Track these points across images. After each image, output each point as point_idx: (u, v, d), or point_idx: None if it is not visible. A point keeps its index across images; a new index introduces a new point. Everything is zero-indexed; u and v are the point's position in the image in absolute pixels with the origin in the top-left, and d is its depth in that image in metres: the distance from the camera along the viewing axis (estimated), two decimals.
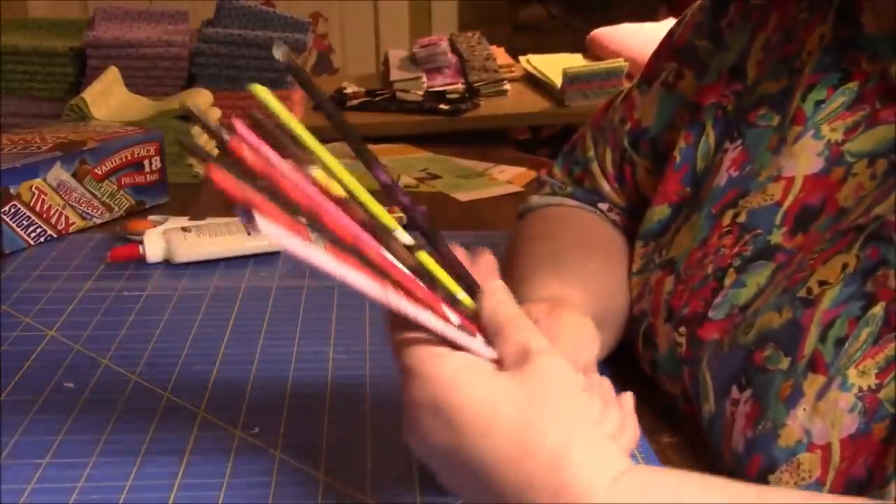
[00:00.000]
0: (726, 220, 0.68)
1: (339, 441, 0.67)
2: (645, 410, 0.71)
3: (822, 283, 0.59)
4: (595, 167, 0.86)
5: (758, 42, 0.72)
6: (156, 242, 0.99)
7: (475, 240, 1.08)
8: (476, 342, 0.50)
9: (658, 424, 0.69)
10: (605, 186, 0.85)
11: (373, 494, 0.61)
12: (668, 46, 0.82)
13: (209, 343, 0.81)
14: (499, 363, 0.50)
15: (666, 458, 0.66)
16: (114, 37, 1.53)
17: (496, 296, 0.53)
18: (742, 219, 0.67)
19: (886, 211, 0.58)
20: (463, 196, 1.28)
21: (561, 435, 0.46)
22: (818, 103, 0.65)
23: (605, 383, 0.59)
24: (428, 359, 0.48)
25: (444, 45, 1.89)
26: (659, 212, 0.75)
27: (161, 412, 0.70)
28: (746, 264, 0.65)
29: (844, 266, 0.58)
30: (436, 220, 1.14)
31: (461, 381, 0.47)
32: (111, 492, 0.61)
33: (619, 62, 1.86)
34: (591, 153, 0.86)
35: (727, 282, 0.65)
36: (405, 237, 0.50)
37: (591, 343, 0.64)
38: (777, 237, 0.64)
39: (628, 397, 0.58)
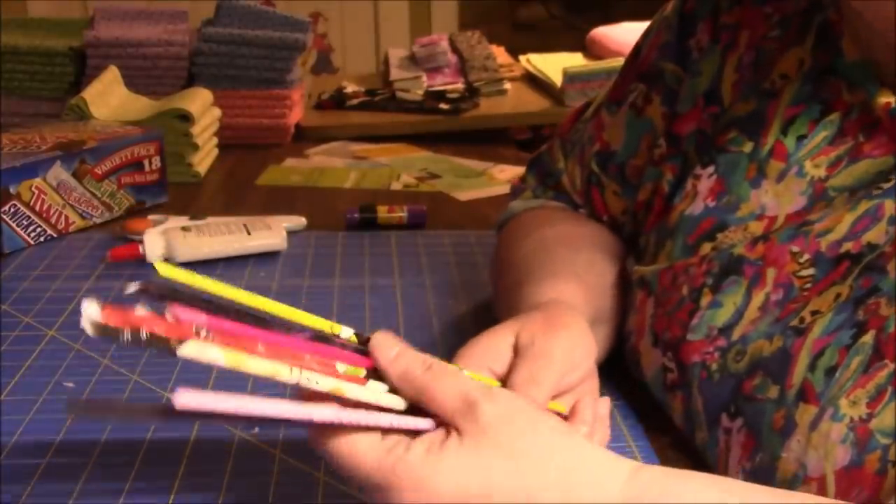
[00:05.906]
0: (704, 251, 0.66)
1: None
2: (644, 410, 0.71)
3: (814, 313, 0.58)
4: (565, 180, 0.85)
5: (730, 64, 0.70)
6: (156, 242, 0.99)
7: (475, 239, 1.09)
8: (409, 419, 0.49)
9: (658, 424, 0.69)
10: (576, 199, 0.84)
11: None
12: (633, 66, 0.80)
13: None
14: (441, 425, 0.49)
15: (666, 457, 0.66)
16: (114, 36, 1.52)
17: (388, 351, 0.51)
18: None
19: (878, 238, 0.57)
20: (463, 196, 1.28)
21: (554, 481, 0.47)
22: (800, 138, 0.64)
23: (586, 400, 0.60)
24: (382, 469, 0.47)
25: (444, 44, 1.89)
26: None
27: None
28: (718, 282, 0.64)
29: (837, 296, 0.58)
30: (436, 220, 1.15)
31: (427, 476, 0.46)
32: (111, 492, 0.61)
33: (619, 61, 1.85)
34: (561, 165, 0.85)
35: (703, 302, 0.64)
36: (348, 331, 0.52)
37: (582, 361, 0.62)
38: (739, 249, 0.63)
39: (603, 402, 0.61)
